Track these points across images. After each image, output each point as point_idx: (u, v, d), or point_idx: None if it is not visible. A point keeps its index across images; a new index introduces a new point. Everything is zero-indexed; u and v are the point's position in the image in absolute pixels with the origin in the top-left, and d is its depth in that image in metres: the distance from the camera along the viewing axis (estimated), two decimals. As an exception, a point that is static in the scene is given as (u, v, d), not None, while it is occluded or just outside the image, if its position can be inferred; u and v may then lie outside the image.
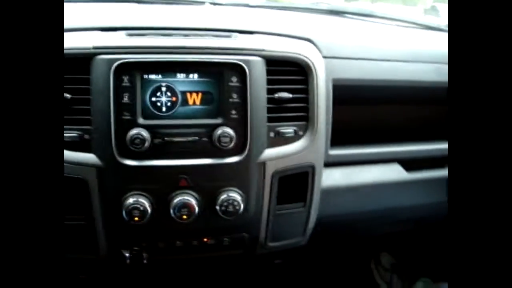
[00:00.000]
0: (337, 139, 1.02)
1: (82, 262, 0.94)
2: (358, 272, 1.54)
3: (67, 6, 0.81)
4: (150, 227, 0.87)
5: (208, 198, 0.87)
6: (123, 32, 0.90)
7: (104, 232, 0.89)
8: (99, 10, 1.11)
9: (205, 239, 0.92)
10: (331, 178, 1.02)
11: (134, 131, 0.83)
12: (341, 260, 1.55)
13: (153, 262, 0.92)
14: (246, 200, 0.88)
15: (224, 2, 1.30)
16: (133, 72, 0.83)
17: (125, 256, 0.90)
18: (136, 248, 0.91)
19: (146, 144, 0.83)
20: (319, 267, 1.50)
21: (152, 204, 0.85)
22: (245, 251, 0.96)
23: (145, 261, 0.91)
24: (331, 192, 1.01)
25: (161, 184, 0.86)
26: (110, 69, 0.82)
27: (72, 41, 0.85)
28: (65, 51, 0.83)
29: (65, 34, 0.87)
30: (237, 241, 0.94)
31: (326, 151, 0.99)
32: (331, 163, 1.01)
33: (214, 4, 1.27)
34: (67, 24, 0.90)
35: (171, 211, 0.85)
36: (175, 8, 1.25)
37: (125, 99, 0.83)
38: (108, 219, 0.87)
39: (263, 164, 0.89)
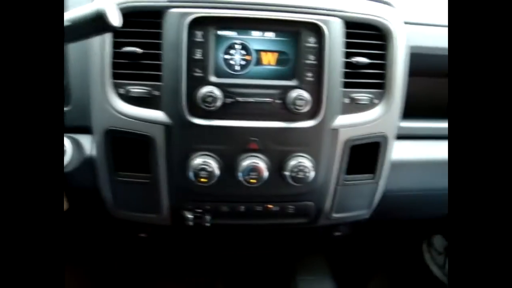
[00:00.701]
0: (405, 112, 0.97)
1: (144, 221, 0.93)
2: (409, 253, 1.50)
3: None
4: (215, 189, 0.84)
5: (277, 163, 0.84)
6: None
7: (168, 192, 0.87)
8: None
9: (269, 206, 0.89)
10: (401, 151, 0.97)
11: (206, 89, 0.79)
12: (392, 240, 1.51)
13: (215, 226, 0.90)
14: (316, 168, 0.84)
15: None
16: (207, 27, 0.80)
17: (187, 218, 0.88)
18: (199, 210, 0.88)
19: (218, 103, 0.80)
20: (370, 244, 1.46)
21: (219, 166, 0.82)
22: (308, 220, 0.93)
23: (207, 224, 0.89)
24: (399, 166, 0.97)
25: (230, 146, 0.83)
26: (183, 23, 0.79)
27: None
28: (137, 4, 0.80)
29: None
30: (302, 210, 0.91)
31: (398, 123, 0.94)
32: (401, 136, 0.96)
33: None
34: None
35: (239, 174, 0.82)
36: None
37: (198, 55, 0.80)
38: (173, 178, 0.85)
39: (336, 131, 0.85)
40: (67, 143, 0.90)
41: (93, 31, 0.71)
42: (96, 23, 0.66)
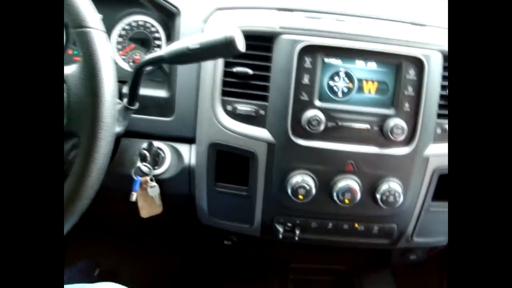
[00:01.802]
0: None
1: (234, 230, 0.98)
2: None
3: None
4: (308, 206, 0.90)
5: (369, 186, 0.89)
6: (301, 14, 0.92)
7: (263, 205, 0.92)
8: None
9: (356, 225, 0.94)
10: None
11: (311, 112, 0.85)
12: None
13: (303, 240, 0.95)
14: (404, 192, 0.89)
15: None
16: (316, 54, 0.85)
17: (278, 231, 0.94)
18: (289, 224, 0.94)
19: (321, 126, 0.85)
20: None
21: (316, 185, 0.87)
22: (389, 242, 0.97)
23: (296, 238, 0.94)
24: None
25: (328, 166, 0.88)
26: (294, 49, 0.84)
27: (257, 20, 0.88)
28: (253, 28, 0.86)
29: (249, 11, 0.90)
30: (385, 231, 0.95)
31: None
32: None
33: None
34: (249, 2, 0.93)
35: (334, 194, 0.87)
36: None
37: (305, 80, 0.85)
38: (269, 193, 0.91)
39: (427, 159, 0.89)
40: (167, 151, 0.97)
41: (219, 54, 0.78)
42: (224, 48, 0.72)
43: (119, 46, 1.06)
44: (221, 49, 0.72)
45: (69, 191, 0.67)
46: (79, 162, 0.66)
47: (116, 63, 1.06)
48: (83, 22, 0.66)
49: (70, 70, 0.68)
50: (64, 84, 0.69)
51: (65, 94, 0.69)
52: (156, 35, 1.05)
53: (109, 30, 1.06)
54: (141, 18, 1.05)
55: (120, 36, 1.05)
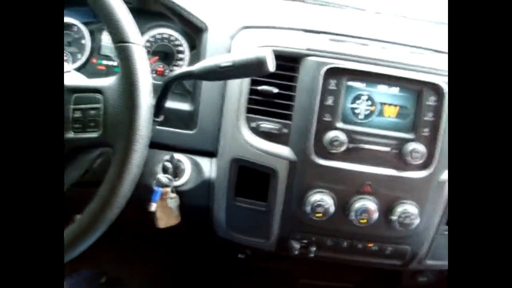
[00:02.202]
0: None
1: (250, 244, 1.00)
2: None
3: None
4: (324, 224, 0.91)
5: (385, 207, 0.91)
6: (326, 36, 0.94)
7: (280, 220, 0.94)
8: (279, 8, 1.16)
9: (369, 244, 0.96)
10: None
11: (333, 133, 0.87)
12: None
13: (317, 257, 0.96)
14: (420, 215, 0.91)
15: (384, 11, 1.33)
16: (340, 77, 0.88)
17: (293, 247, 0.95)
18: (305, 241, 0.95)
19: (343, 147, 0.87)
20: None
21: (334, 203, 0.89)
22: (402, 263, 0.99)
23: (311, 255, 0.95)
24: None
25: (346, 186, 0.90)
26: (320, 71, 0.87)
27: (285, 40, 0.91)
28: (281, 49, 0.88)
29: (276, 31, 0.93)
30: (399, 252, 0.97)
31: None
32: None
33: (377, 13, 1.30)
34: (275, 22, 0.96)
35: (352, 213, 0.89)
36: (340, 11, 1.29)
37: (329, 101, 0.88)
38: (288, 209, 0.92)
39: (443, 183, 0.92)
40: (186, 163, 0.98)
41: (250, 74, 0.80)
42: (255, 67, 0.74)
43: (143, 57, 1.07)
44: (252, 68, 0.75)
45: (101, 200, 0.68)
46: (113, 172, 0.68)
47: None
48: (125, 37, 0.68)
49: (107, 82, 0.70)
50: (100, 95, 0.71)
51: (100, 105, 0.71)
52: (180, 48, 1.07)
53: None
54: (165, 31, 1.08)
55: (145, 47, 1.07)
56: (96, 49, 1.10)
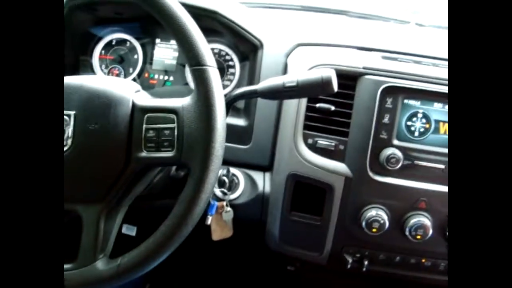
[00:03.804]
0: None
1: (303, 257, 1.02)
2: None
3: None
4: (378, 239, 0.93)
5: (440, 223, 0.92)
6: (378, 54, 0.96)
7: (334, 235, 0.96)
8: (328, 23, 1.18)
9: (423, 260, 0.97)
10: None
11: (389, 151, 0.89)
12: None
13: (369, 272, 0.98)
14: (473, 231, 0.92)
15: (427, 24, 1.35)
16: (397, 95, 0.89)
17: (347, 261, 0.97)
18: (358, 255, 0.97)
19: (399, 164, 0.89)
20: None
21: (389, 219, 0.91)
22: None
23: (364, 269, 0.97)
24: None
25: (402, 202, 0.91)
26: (377, 90, 0.88)
27: (342, 59, 0.93)
28: (339, 68, 0.90)
29: (330, 49, 0.95)
30: (451, 268, 0.98)
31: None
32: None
33: (420, 25, 1.32)
34: (329, 39, 0.98)
35: (407, 229, 0.91)
36: (383, 24, 1.31)
37: (385, 119, 0.89)
38: (343, 224, 0.94)
39: (497, 200, 0.93)
40: (240, 177, 1.00)
41: (313, 93, 0.82)
42: (319, 87, 0.76)
43: (194, 72, 1.10)
44: (316, 88, 0.77)
45: (177, 218, 0.70)
46: (190, 192, 0.70)
47: (192, 89, 1.10)
48: (202, 61, 0.70)
49: (182, 102, 0.72)
50: (174, 115, 0.73)
51: (174, 125, 0.72)
52: (230, 63, 1.09)
53: (185, 57, 1.11)
54: (216, 46, 1.10)
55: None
56: (148, 64, 1.13)
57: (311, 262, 1.01)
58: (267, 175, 1.01)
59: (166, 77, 1.12)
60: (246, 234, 1.07)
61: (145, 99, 0.76)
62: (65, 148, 0.72)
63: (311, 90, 0.78)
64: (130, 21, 1.12)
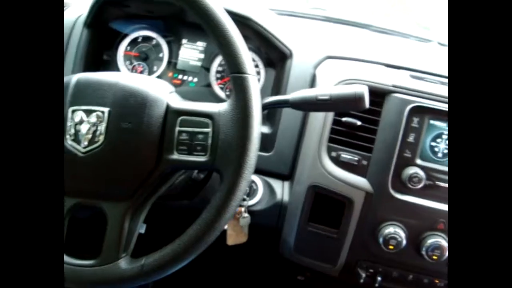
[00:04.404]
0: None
1: (316, 268, 1.02)
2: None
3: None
4: (394, 256, 0.93)
5: None
6: (406, 72, 0.97)
7: (350, 248, 0.96)
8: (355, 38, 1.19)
9: (436, 280, 0.98)
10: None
11: (412, 170, 0.89)
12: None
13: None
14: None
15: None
16: (423, 115, 0.90)
17: (359, 275, 0.97)
18: (371, 270, 0.97)
19: (421, 184, 0.90)
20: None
21: (406, 237, 0.92)
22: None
23: (377, 285, 0.97)
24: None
25: (420, 222, 0.92)
26: (405, 108, 0.89)
27: (371, 75, 0.94)
28: (367, 83, 0.91)
29: (359, 64, 0.96)
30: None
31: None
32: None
33: (443, 45, 1.33)
34: (358, 54, 0.99)
35: (423, 249, 0.91)
36: (406, 42, 1.32)
37: (410, 138, 0.90)
38: (359, 238, 0.95)
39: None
40: (259, 184, 1.01)
41: (345, 108, 0.83)
42: (352, 102, 0.77)
43: (218, 75, 1.11)
44: (349, 103, 0.78)
45: (206, 223, 0.70)
46: (221, 197, 0.70)
47: (214, 91, 1.11)
48: (242, 69, 0.70)
49: (218, 108, 0.72)
50: (209, 120, 0.73)
51: (209, 129, 0.72)
52: (256, 69, 1.10)
53: (210, 61, 1.11)
54: (242, 51, 1.10)
55: (220, 65, 1.11)
56: (172, 63, 1.13)
57: (322, 273, 1.02)
58: (286, 184, 1.01)
59: (190, 78, 1.12)
60: (260, 241, 1.07)
61: (179, 101, 0.76)
62: (97, 144, 0.72)
63: (343, 105, 0.79)
64: (156, 18, 1.12)
